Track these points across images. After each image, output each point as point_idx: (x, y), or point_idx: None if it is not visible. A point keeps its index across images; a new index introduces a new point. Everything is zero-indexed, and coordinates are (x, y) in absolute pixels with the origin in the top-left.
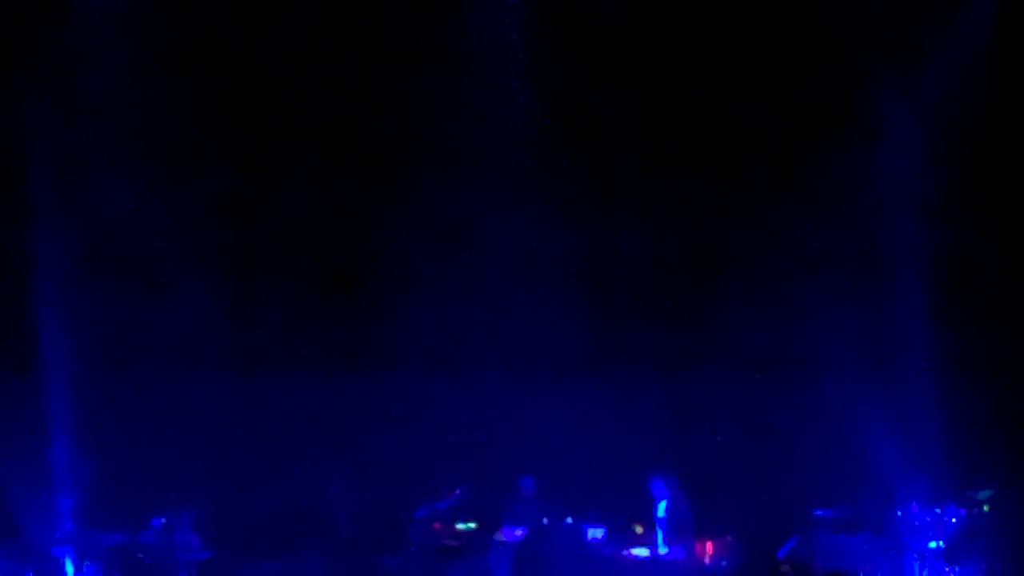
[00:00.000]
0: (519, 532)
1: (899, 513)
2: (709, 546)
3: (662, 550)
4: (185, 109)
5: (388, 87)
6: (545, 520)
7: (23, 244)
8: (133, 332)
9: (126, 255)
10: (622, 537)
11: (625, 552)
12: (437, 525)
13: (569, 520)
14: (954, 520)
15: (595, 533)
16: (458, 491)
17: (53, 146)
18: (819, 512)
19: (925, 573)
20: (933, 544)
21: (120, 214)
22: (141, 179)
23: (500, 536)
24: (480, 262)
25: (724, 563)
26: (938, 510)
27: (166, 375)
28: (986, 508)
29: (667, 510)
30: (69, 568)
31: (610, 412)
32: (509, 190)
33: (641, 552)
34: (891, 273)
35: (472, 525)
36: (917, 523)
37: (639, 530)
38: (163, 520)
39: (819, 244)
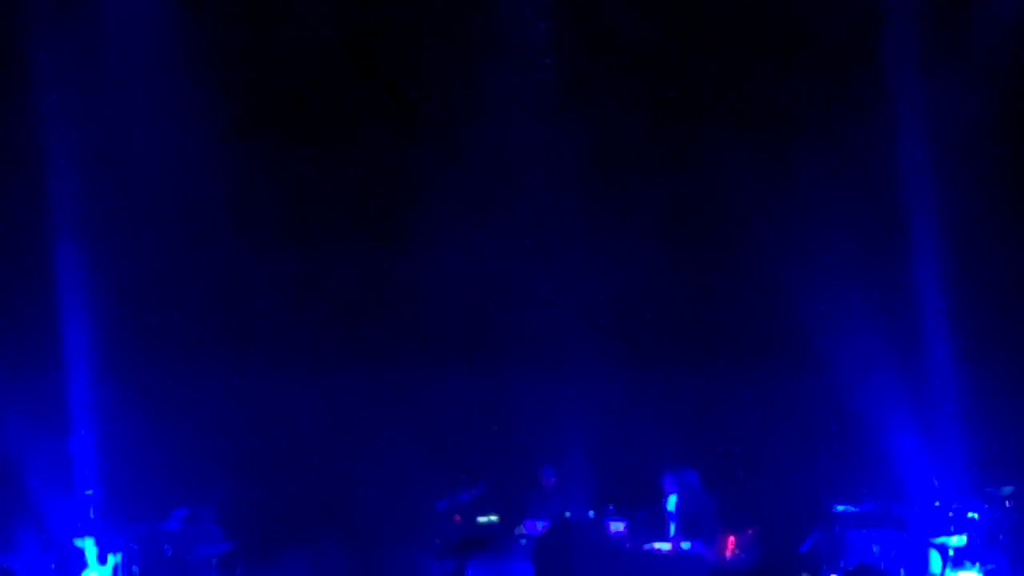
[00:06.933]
0: (541, 525)
1: (921, 508)
2: (730, 540)
3: (684, 545)
4: None
5: None
6: (568, 513)
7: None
8: (155, 324)
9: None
10: (643, 531)
11: (646, 546)
12: (458, 518)
13: (591, 513)
14: (976, 516)
15: (616, 526)
16: (479, 484)
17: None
18: (841, 507)
19: (948, 568)
20: (955, 539)
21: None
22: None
23: (522, 529)
24: (498, 252)
25: (743, 556)
26: (960, 506)
27: (188, 367)
28: (1008, 504)
29: (677, 504)
30: (91, 558)
31: (630, 405)
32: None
33: (663, 546)
34: (917, 266)
35: (494, 518)
36: (939, 518)
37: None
38: (185, 511)
39: (845, 234)
